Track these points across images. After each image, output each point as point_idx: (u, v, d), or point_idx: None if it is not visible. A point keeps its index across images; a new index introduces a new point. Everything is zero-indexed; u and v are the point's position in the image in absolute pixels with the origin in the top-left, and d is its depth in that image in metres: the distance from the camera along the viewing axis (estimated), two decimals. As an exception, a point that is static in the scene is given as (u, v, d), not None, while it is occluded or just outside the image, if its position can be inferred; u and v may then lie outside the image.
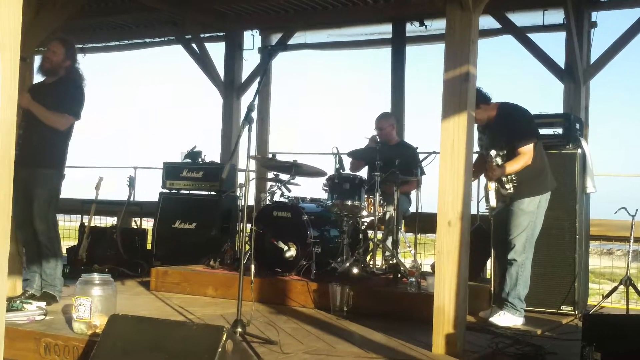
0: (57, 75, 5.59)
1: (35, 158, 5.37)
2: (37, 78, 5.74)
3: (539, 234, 5.81)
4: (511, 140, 5.52)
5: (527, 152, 5.50)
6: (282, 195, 6.97)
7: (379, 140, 7.05)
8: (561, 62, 8.45)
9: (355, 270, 6.36)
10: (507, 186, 5.49)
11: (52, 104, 5.43)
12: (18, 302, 5.09)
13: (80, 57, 5.82)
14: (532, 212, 5.55)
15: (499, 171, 5.41)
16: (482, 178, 5.72)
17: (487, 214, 5.74)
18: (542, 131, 5.94)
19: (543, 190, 5.62)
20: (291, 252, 6.45)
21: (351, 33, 10.03)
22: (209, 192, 8.68)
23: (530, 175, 5.53)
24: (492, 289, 6.09)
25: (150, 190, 9.77)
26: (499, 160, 5.37)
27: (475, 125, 5.29)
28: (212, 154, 9.70)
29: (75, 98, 5.57)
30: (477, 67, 4.50)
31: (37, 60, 5.74)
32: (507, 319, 5.51)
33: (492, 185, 5.48)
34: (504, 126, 5.59)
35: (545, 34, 8.79)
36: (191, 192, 8.77)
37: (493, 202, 5.50)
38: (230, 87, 10.37)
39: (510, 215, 5.57)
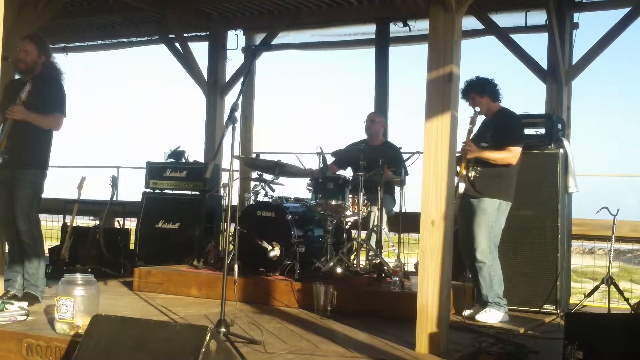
0: (34, 72, 5.54)
1: (19, 158, 5.34)
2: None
3: (521, 232, 5.93)
4: (502, 137, 5.69)
5: (514, 152, 5.67)
6: (266, 195, 6.96)
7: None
8: (543, 62, 8.49)
9: (339, 270, 6.37)
10: (470, 173, 5.69)
11: (36, 103, 5.39)
12: (0, 302, 5.05)
13: (62, 56, 5.79)
14: (491, 213, 5.67)
15: (475, 148, 5.62)
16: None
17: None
18: (525, 131, 6.03)
19: (504, 196, 5.73)
20: (275, 252, 6.44)
21: (335, 33, 10.03)
22: (193, 192, 8.65)
23: (493, 173, 5.67)
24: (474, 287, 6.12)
25: (133, 190, 9.74)
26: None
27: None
28: (195, 153, 9.67)
29: (60, 96, 5.56)
30: (460, 68, 4.53)
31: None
32: (493, 315, 5.62)
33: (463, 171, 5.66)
34: (499, 124, 5.79)
35: (528, 34, 8.83)
36: (174, 191, 8.73)
37: (461, 187, 5.64)
38: (214, 87, 10.33)
39: (472, 213, 5.70)
